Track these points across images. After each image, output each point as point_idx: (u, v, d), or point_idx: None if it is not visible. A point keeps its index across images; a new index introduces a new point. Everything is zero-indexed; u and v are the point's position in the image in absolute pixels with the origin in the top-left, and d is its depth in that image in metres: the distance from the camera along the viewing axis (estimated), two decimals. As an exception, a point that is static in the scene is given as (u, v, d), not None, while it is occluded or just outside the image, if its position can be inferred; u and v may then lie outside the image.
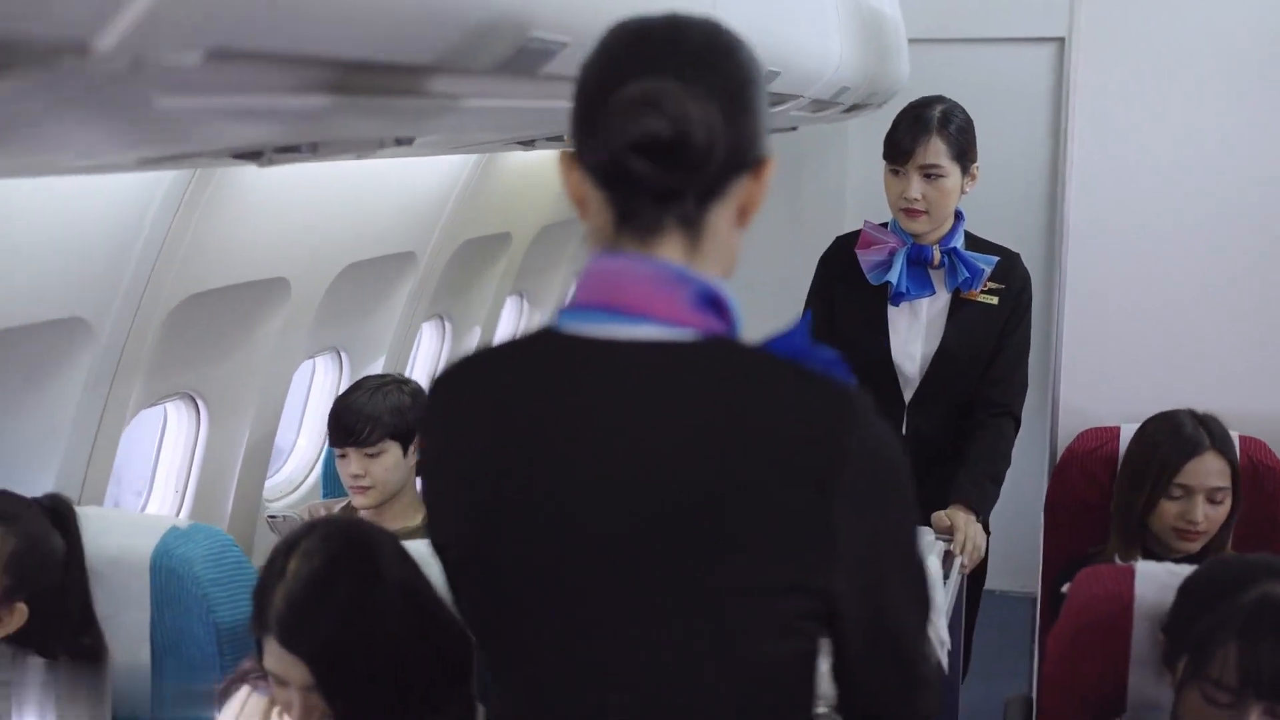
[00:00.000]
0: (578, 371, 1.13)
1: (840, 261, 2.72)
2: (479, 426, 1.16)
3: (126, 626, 1.89)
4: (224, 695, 1.73)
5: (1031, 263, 4.46)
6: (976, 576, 2.69)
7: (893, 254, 2.62)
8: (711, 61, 1.09)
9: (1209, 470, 2.30)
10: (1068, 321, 2.96)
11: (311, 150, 1.51)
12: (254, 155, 1.55)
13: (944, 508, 2.50)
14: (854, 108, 3.50)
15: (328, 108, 1.14)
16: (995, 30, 4.46)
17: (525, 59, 1.22)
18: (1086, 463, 2.59)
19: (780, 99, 2.60)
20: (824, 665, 1.19)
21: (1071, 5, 3.08)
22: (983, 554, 2.52)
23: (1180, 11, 2.96)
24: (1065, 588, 1.86)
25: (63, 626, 1.85)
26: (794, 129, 3.76)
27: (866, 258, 2.64)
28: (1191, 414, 2.38)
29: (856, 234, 2.70)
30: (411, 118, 1.41)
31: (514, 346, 1.20)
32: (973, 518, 2.49)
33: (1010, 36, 4.45)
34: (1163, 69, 2.95)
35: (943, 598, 2.19)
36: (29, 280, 1.85)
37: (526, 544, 1.13)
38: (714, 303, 1.12)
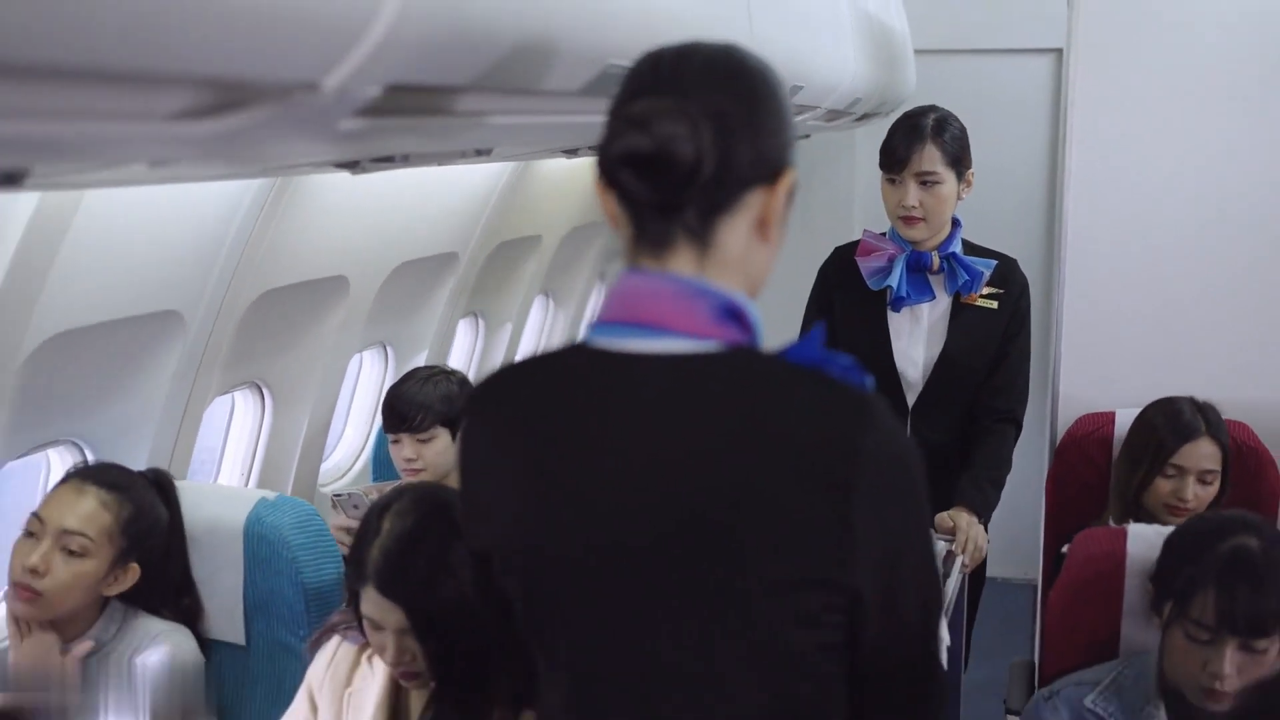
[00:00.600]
0: (605, 384, 1.18)
1: (839, 270, 2.76)
2: (515, 438, 1.22)
3: (221, 587, 2.10)
4: (316, 645, 1.93)
5: (1032, 264, 4.69)
6: (976, 574, 2.77)
7: (892, 260, 2.67)
8: (714, 81, 1.14)
9: (1202, 454, 2.50)
10: (1067, 317, 3.18)
11: (404, 161, 1.73)
12: (351, 164, 1.77)
13: (947, 509, 2.58)
14: (864, 116, 3.70)
15: (438, 125, 1.36)
16: (997, 42, 4.65)
17: (604, 82, 1.43)
18: (1084, 445, 2.80)
19: (800, 110, 2.81)
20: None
21: (1069, 17, 3.29)
22: (984, 554, 2.59)
23: (1174, 23, 3.17)
24: (1065, 548, 2.07)
25: (166, 587, 2.06)
26: (806, 137, 3.96)
27: (867, 264, 2.69)
28: (1191, 401, 2.59)
29: (855, 244, 2.75)
30: (495, 133, 1.62)
31: (545, 361, 1.26)
32: (975, 519, 2.57)
33: (1011, 48, 4.65)
34: (1157, 78, 3.16)
35: (943, 597, 2.28)
36: (136, 276, 2.07)
37: (564, 549, 1.20)
38: (734, 314, 1.17)
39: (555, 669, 1.25)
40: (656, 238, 1.17)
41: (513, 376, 1.27)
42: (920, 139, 2.61)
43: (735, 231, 1.17)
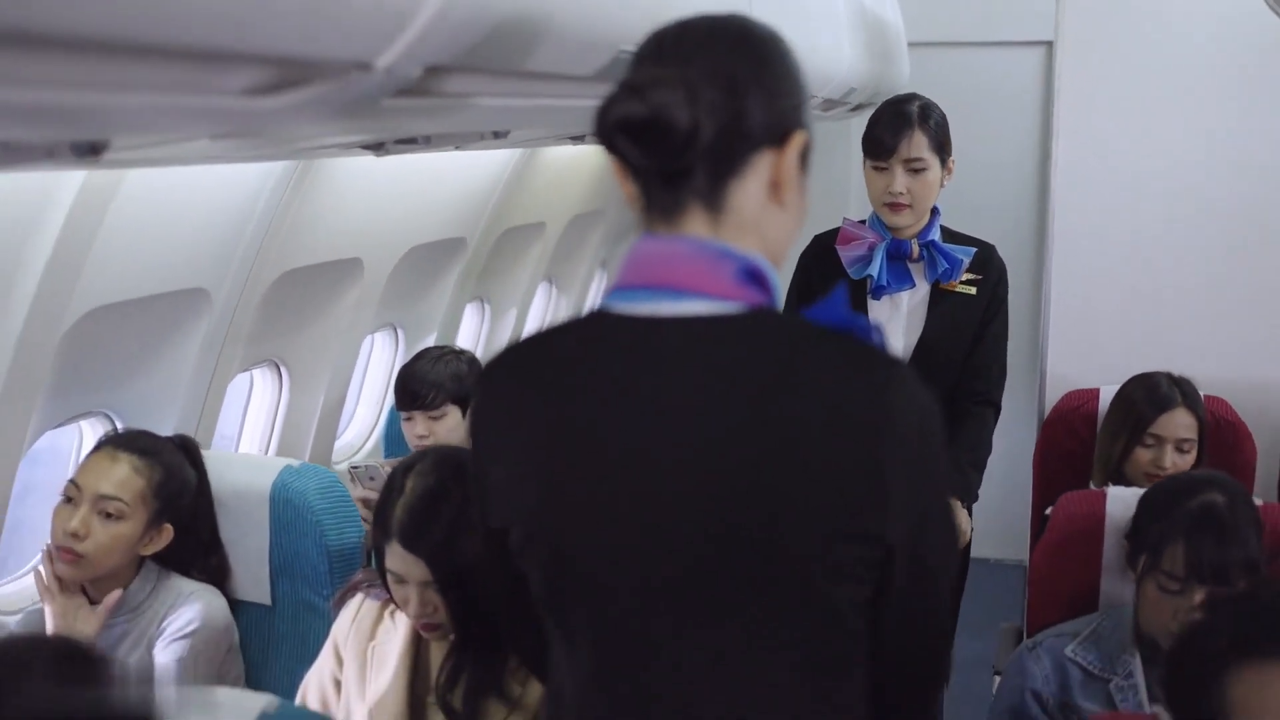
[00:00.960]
0: (630, 348, 1.17)
1: (819, 259, 2.76)
2: (535, 408, 1.20)
3: (249, 550, 2.21)
4: (340, 602, 2.04)
5: (1022, 249, 4.81)
6: (961, 556, 2.74)
7: (872, 249, 2.67)
8: (721, 45, 1.15)
9: (1179, 423, 2.63)
10: (1054, 301, 3.31)
11: (426, 143, 1.84)
12: (377, 146, 1.88)
13: None
14: (859, 107, 3.81)
15: (465, 107, 1.46)
16: (989, 35, 4.75)
17: (614, 68, 1.54)
18: (1070, 420, 2.93)
19: (798, 98, 2.92)
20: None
21: (1057, 11, 3.42)
22: (968, 538, 2.64)
23: (1157, 17, 3.30)
24: (1048, 510, 2.19)
25: (196, 546, 2.17)
26: (804, 126, 4.07)
27: (847, 253, 2.69)
28: (1168, 376, 2.72)
29: (834, 232, 2.75)
30: (514, 116, 1.72)
31: (564, 329, 1.24)
32: (958, 504, 2.59)
33: (1003, 40, 4.76)
34: (1142, 71, 3.29)
35: None
36: (168, 254, 2.18)
37: (591, 517, 1.18)
38: (755, 276, 1.17)
39: (577, 644, 1.23)
40: (666, 205, 1.17)
41: (527, 350, 1.24)
42: (908, 125, 2.62)
43: (747, 195, 1.17)
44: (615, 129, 1.12)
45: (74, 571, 2.02)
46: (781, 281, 1.24)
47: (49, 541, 2.05)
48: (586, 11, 1.31)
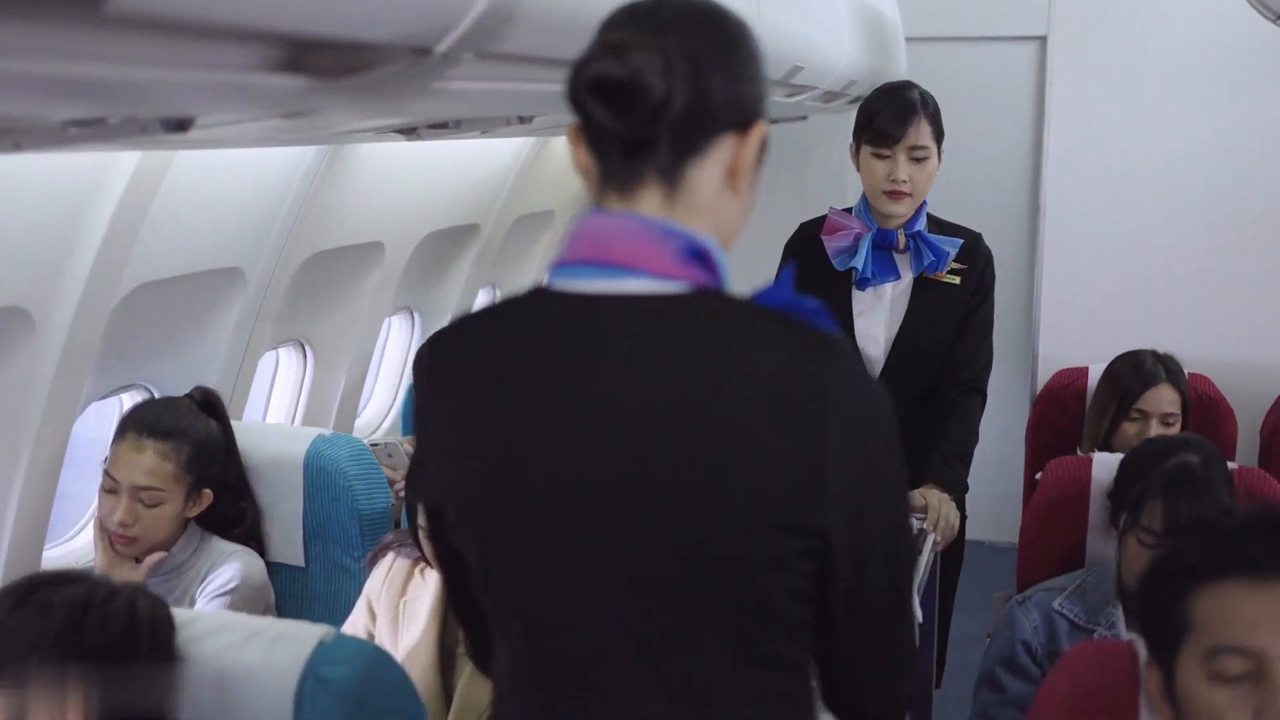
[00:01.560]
0: (569, 326, 1.15)
1: (805, 247, 2.71)
2: (474, 386, 1.18)
3: (283, 515, 2.34)
4: (373, 561, 2.16)
5: (1015, 236, 4.94)
6: (955, 545, 2.75)
7: (858, 239, 2.63)
8: (690, 24, 1.13)
9: (1163, 398, 2.77)
10: (1046, 284, 3.46)
11: (456, 127, 1.96)
12: (410, 130, 2.00)
13: (914, 486, 2.52)
14: (857, 99, 3.94)
15: (493, 90, 1.59)
16: (984, 29, 4.88)
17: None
18: (1060, 396, 3.08)
19: (800, 89, 3.05)
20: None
21: (1050, 7, 3.56)
22: (955, 532, 2.57)
23: (1147, 14, 3.45)
24: (1038, 475, 2.33)
25: (231, 506, 2.29)
26: (804, 118, 4.21)
27: (832, 244, 2.65)
28: (1153, 353, 2.86)
29: (821, 220, 2.71)
30: (543, 101, 1.85)
31: (505, 306, 1.22)
32: (946, 496, 2.54)
33: (998, 35, 4.88)
34: (1131, 64, 3.44)
35: (915, 574, 2.24)
36: (209, 234, 2.31)
37: (527, 499, 1.16)
38: (701, 256, 1.14)
39: (510, 625, 1.21)
40: (625, 177, 1.14)
41: (469, 325, 1.22)
42: (914, 113, 2.59)
43: (706, 176, 1.15)
44: (588, 88, 1.10)
45: (131, 549, 2.15)
46: (741, 269, 1.23)
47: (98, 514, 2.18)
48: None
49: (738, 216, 1.19)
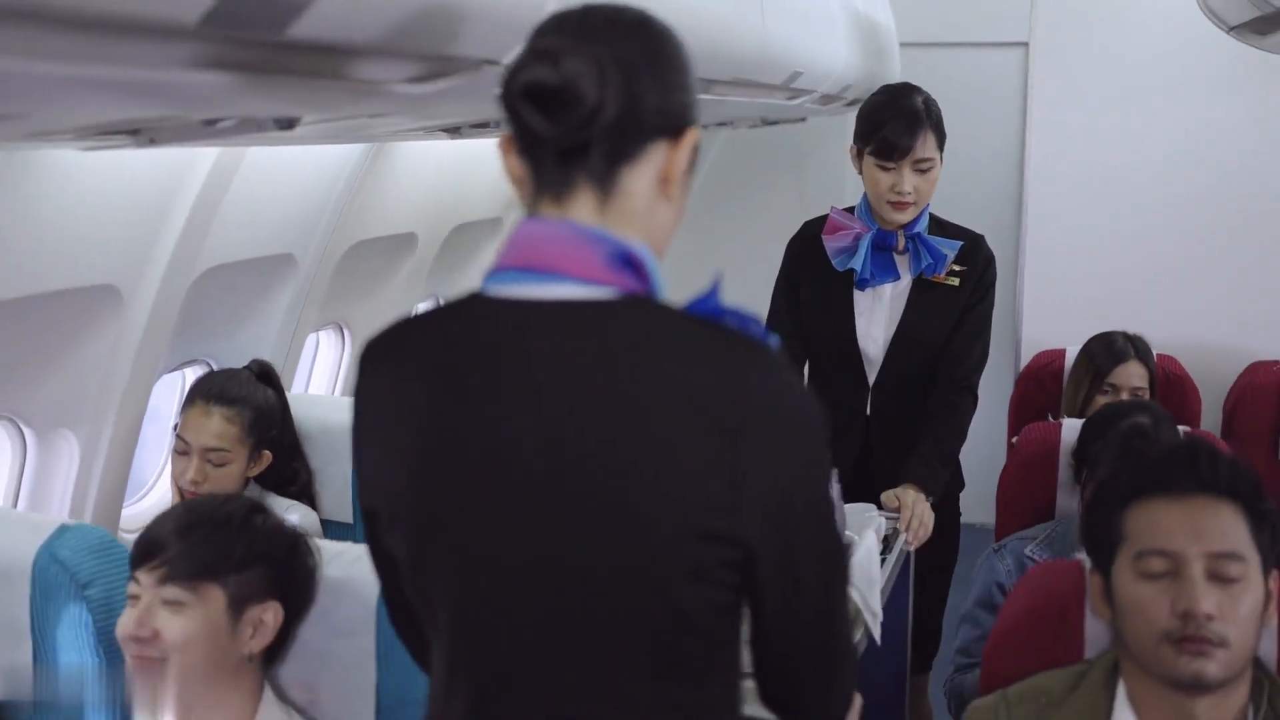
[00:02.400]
0: (497, 333, 1.16)
1: (807, 248, 2.72)
2: (407, 390, 1.19)
3: (333, 477, 2.59)
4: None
5: (999, 231, 5.21)
6: (949, 538, 2.77)
7: (858, 240, 2.63)
8: (620, 32, 1.14)
9: (1132, 373, 3.04)
10: (1028, 273, 3.75)
11: (497, 126, 2.21)
12: (454, 129, 2.26)
13: (893, 485, 2.53)
14: (854, 102, 4.17)
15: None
16: (971, 35, 5.12)
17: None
18: (1040, 376, 3.36)
19: (799, 93, 3.30)
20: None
21: (1031, 15, 3.83)
22: (930, 531, 2.52)
23: (1122, 21, 3.73)
24: (1014, 439, 2.59)
25: (287, 467, 2.54)
26: (803, 120, 4.45)
27: (832, 244, 2.65)
28: (1124, 334, 3.14)
29: (823, 220, 2.70)
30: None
31: (440, 312, 1.24)
32: (921, 497, 2.52)
33: (984, 41, 5.13)
34: (1107, 69, 3.73)
35: (879, 573, 2.22)
36: (269, 222, 2.57)
37: (453, 503, 1.17)
38: (631, 263, 1.14)
39: (438, 628, 1.22)
40: (558, 184, 1.15)
41: (402, 332, 1.23)
42: (921, 125, 2.56)
43: (638, 182, 1.16)
44: (521, 94, 1.11)
45: None
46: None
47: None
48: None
49: (670, 223, 1.21)
